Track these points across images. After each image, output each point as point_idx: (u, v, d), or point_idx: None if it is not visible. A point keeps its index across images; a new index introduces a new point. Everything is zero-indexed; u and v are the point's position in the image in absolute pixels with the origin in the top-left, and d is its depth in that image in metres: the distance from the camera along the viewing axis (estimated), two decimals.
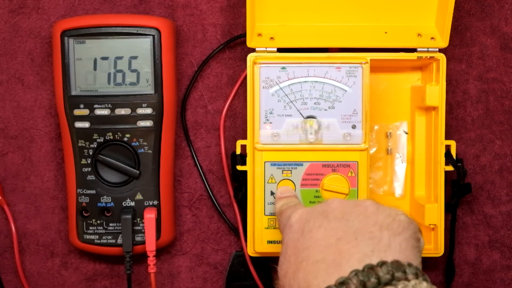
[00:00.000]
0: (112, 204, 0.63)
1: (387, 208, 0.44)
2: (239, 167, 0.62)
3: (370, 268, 0.38)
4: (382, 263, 0.38)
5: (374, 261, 0.39)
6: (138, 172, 0.62)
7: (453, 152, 0.62)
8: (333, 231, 0.43)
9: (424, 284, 0.37)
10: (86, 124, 0.62)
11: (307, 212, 0.46)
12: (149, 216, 0.62)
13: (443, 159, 0.62)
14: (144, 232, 0.62)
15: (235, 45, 0.67)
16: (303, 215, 0.46)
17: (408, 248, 0.42)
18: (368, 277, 0.37)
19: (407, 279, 0.37)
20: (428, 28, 0.62)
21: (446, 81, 0.62)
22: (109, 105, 0.62)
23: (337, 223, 0.43)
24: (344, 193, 0.60)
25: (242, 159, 0.62)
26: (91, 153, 0.62)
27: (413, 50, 0.62)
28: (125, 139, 0.62)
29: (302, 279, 0.42)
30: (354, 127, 0.60)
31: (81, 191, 0.63)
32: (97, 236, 0.63)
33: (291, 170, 0.60)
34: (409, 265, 0.39)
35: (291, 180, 0.60)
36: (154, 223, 0.62)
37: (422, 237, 0.45)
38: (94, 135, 0.62)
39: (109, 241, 0.64)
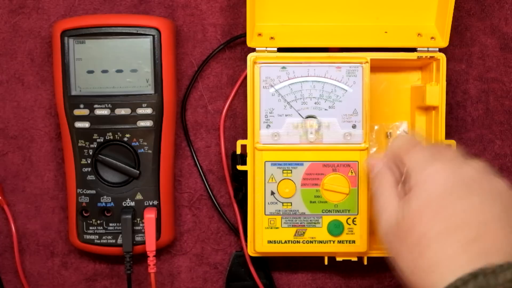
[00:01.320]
0: (112, 204, 0.63)
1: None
2: (239, 167, 0.62)
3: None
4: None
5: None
6: (138, 172, 0.62)
7: None
8: (479, 208, 0.41)
9: None
10: (86, 124, 0.62)
11: (451, 180, 0.42)
12: (149, 216, 0.62)
13: None
14: (144, 232, 0.62)
15: (235, 45, 0.67)
16: (448, 181, 0.42)
17: None
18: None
19: None
20: (428, 28, 0.62)
21: (446, 81, 0.62)
22: (109, 105, 0.62)
23: (480, 198, 0.41)
24: (344, 193, 0.60)
25: (242, 159, 0.62)
26: (91, 153, 0.62)
27: (413, 50, 0.62)
28: (125, 139, 0.62)
29: (443, 248, 0.39)
30: (354, 126, 0.61)
31: (81, 191, 0.63)
32: (97, 236, 0.63)
33: (291, 170, 0.60)
34: None
35: (292, 180, 0.60)
36: (154, 223, 0.62)
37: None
38: (94, 135, 0.62)
39: (109, 241, 0.63)
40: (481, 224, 0.40)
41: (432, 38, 0.62)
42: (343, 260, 0.62)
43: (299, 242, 0.61)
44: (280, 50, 0.61)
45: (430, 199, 0.42)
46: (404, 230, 0.42)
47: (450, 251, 0.39)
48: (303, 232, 0.61)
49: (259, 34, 0.62)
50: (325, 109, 0.61)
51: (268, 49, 0.61)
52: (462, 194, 0.42)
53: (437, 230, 0.41)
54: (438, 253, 0.40)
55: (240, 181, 0.64)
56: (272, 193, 0.61)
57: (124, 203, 0.63)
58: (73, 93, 0.62)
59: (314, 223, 0.61)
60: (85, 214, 0.63)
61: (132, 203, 0.63)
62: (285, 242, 0.61)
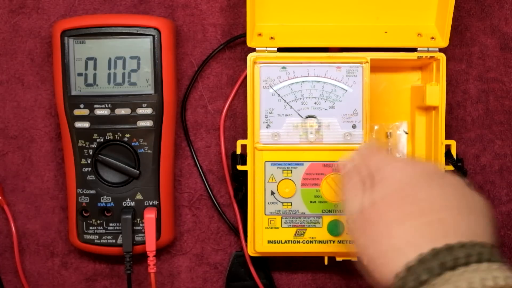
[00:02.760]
0: (112, 204, 0.63)
1: (469, 189, 0.46)
2: (239, 167, 0.62)
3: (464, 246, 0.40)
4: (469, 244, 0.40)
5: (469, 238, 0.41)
6: (138, 172, 0.62)
7: (453, 152, 0.62)
8: (438, 191, 0.44)
9: (496, 264, 0.40)
10: (86, 124, 0.62)
11: (411, 172, 0.47)
12: (149, 216, 0.62)
13: (443, 159, 0.62)
14: (144, 232, 0.62)
15: (235, 45, 0.67)
16: (409, 173, 0.46)
17: (489, 232, 0.44)
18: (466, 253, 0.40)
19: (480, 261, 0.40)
20: (428, 28, 0.62)
21: (446, 81, 0.62)
22: (109, 105, 0.62)
23: (439, 184, 0.45)
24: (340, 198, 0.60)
25: (242, 159, 0.62)
26: (91, 153, 0.62)
27: (413, 50, 0.62)
28: (125, 139, 0.62)
29: (406, 232, 0.42)
30: (354, 126, 0.61)
31: (81, 191, 0.63)
32: (97, 236, 0.63)
33: (291, 170, 0.60)
34: (483, 245, 0.41)
35: (292, 180, 0.60)
36: (154, 223, 0.62)
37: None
38: (94, 135, 0.62)
39: (109, 241, 0.63)
40: (440, 210, 0.43)
41: (432, 38, 0.62)
42: (343, 260, 0.62)
43: (299, 242, 0.61)
44: (280, 50, 0.61)
45: (393, 188, 0.45)
46: (367, 219, 0.45)
47: (410, 235, 0.42)
48: (303, 232, 0.61)
49: (259, 34, 0.62)
50: (325, 109, 0.61)
51: (268, 49, 0.61)
52: (422, 184, 0.45)
53: (398, 215, 0.44)
54: (399, 237, 0.42)
55: (240, 181, 0.64)
56: (272, 193, 0.61)
57: (124, 203, 0.63)
58: (73, 93, 0.62)
59: (314, 223, 0.61)
60: (85, 214, 0.63)
61: (132, 203, 0.63)
62: (285, 242, 0.61)
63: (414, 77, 0.66)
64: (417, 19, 0.62)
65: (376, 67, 0.63)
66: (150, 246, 0.62)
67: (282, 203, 0.61)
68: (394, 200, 0.45)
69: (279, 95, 0.61)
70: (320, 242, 0.61)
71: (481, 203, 0.45)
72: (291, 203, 0.61)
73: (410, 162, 0.49)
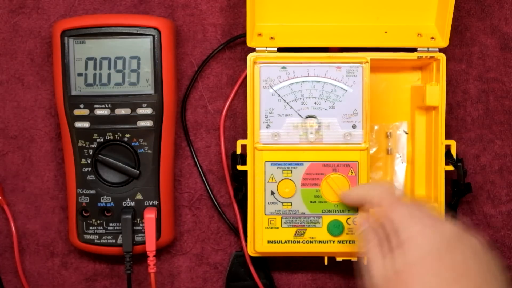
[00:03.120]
0: (112, 204, 0.63)
1: (488, 256, 0.45)
2: (239, 167, 0.62)
3: None
4: None
5: None
6: (138, 172, 0.62)
7: (453, 152, 0.62)
8: (465, 266, 0.43)
9: None
10: (86, 124, 0.62)
11: (438, 237, 0.45)
12: (149, 216, 0.62)
13: (443, 159, 0.62)
14: (144, 232, 0.62)
15: (235, 45, 0.67)
16: (435, 237, 0.45)
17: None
18: None
19: None
20: (428, 28, 0.62)
21: (446, 81, 0.62)
22: (109, 105, 0.62)
23: (466, 258, 0.44)
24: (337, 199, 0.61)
25: (242, 159, 0.62)
26: (91, 153, 0.62)
27: (413, 50, 0.62)
28: (125, 139, 0.62)
29: None
30: (354, 126, 0.61)
31: (81, 191, 0.63)
32: (97, 236, 0.63)
33: (291, 170, 0.60)
34: None
35: (292, 180, 0.60)
36: (154, 223, 0.62)
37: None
38: (94, 135, 0.62)
39: (109, 241, 0.63)
40: (468, 278, 0.42)
41: (432, 38, 0.62)
42: (343, 260, 0.62)
43: (299, 242, 0.61)
44: (280, 50, 0.61)
45: (422, 255, 0.44)
46: (395, 286, 0.44)
47: None
48: (303, 232, 0.61)
49: (259, 34, 0.62)
50: (325, 109, 0.61)
51: (268, 49, 0.61)
52: (456, 247, 0.44)
53: (437, 281, 0.43)
54: None
55: (240, 181, 0.64)
56: (272, 193, 0.61)
57: (124, 203, 0.63)
58: (73, 93, 0.62)
59: (314, 223, 0.61)
60: (85, 214, 0.63)
61: (132, 203, 0.63)
62: (285, 242, 0.61)
63: (414, 77, 0.66)
64: (417, 19, 0.63)
65: (376, 67, 0.63)
66: (150, 246, 0.62)
67: (282, 203, 0.61)
68: (423, 268, 0.43)
69: (279, 95, 0.61)
70: (320, 242, 0.61)
71: (499, 267, 0.45)
72: (291, 203, 0.61)
73: (438, 222, 0.47)
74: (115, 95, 0.62)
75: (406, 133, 0.66)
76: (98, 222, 0.63)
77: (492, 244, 0.68)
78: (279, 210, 0.61)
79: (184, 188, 0.68)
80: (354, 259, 0.62)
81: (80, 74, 0.62)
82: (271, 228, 0.61)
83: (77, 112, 0.62)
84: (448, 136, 0.65)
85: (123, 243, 0.62)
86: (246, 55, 0.61)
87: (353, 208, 0.60)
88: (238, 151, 0.62)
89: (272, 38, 0.61)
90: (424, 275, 0.43)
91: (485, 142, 0.68)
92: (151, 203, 0.63)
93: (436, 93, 0.61)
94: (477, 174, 0.68)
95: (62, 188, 0.67)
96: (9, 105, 0.67)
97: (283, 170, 0.60)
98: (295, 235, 0.61)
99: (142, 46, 0.62)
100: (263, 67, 0.61)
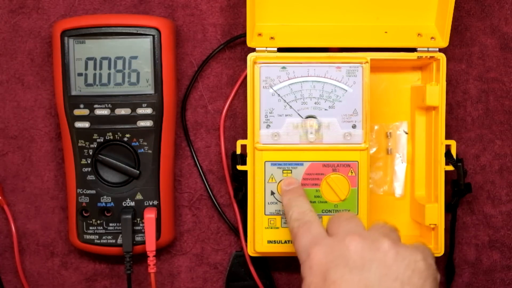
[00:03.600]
0: (112, 204, 0.63)
1: (406, 253, 0.45)
2: (239, 167, 0.62)
3: None
4: None
5: None
6: (138, 172, 0.62)
7: (453, 152, 0.62)
8: (355, 285, 0.43)
9: None
10: (86, 124, 0.62)
11: (326, 255, 0.46)
12: (149, 216, 0.62)
13: (443, 159, 0.62)
14: (144, 232, 0.62)
15: (235, 45, 0.67)
16: (323, 258, 0.46)
17: None
18: None
19: None
20: (428, 28, 0.62)
21: (446, 81, 0.62)
22: (109, 105, 0.62)
23: (358, 274, 0.44)
24: (340, 198, 0.60)
25: (242, 159, 0.62)
26: (91, 153, 0.62)
27: (413, 50, 0.62)
28: (125, 139, 0.62)
29: None
30: (354, 126, 0.61)
31: (81, 191, 0.63)
32: (97, 236, 0.63)
33: (291, 170, 0.60)
34: None
35: None
36: (154, 223, 0.62)
37: (438, 272, 0.46)
38: (94, 135, 0.62)
39: (109, 241, 0.63)
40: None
41: (432, 38, 0.62)
42: None
43: None
44: (280, 50, 0.61)
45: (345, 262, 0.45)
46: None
47: None
48: None
49: (259, 34, 0.62)
50: (325, 109, 0.61)
51: (268, 49, 0.61)
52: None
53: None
54: None
55: (240, 181, 0.64)
56: (272, 193, 0.61)
57: (124, 203, 0.63)
58: (73, 93, 0.62)
59: None
60: (85, 214, 0.63)
61: (132, 203, 0.63)
62: (285, 242, 0.61)
63: (414, 77, 0.66)
64: (417, 19, 0.62)
65: (376, 67, 0.63)
66: (150, 246, 0.62)
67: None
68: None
69: (279, 95, 0.61)
70: None
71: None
72: None
73: (329, 245, 0.47)
74: (115, 95, 0.62)
75: (406, 133, 0.66)
76: (98, 222, 0.63)
77: (492, 244, 0.68)
78: (279, 210, 0.61)
79: (184, 188, 0.68)
80: None
81: (80, 74, 0.62)
82: (271, 228, 0.61)
83: (77, 112, 0.62)
84: (448, 136, 0.65)
85: (123, 243, 0.62)
86: (246, 55, 0.61)
87: (353, 208, 0.60)
88: (238, 151, 0.62)
89: (272, 38, 0.61)
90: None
91: (485, 142, 0.68)
92: (151, 203, 0.63)
93: (436, 93, 0.61)
94: (477, 174, 0.68)
95: (62, 188, 0.67)
96: (9, 105, 0.67)
97: (283, 170, 0.60)
98: None
99: (142, 46, 0.62)
100: (263, 67, 0.61)
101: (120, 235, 0.63)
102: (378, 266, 0.44)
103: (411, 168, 0.66)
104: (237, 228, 0.66)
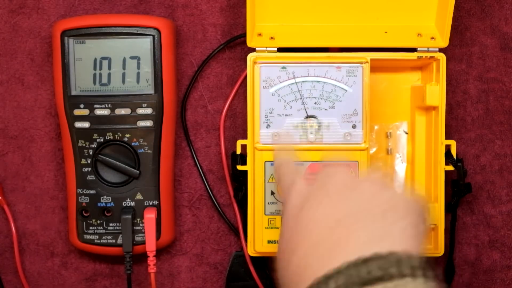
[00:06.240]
0: (112, 204, 0.63)
1: (394, 188, 0.42)
2: (239, 167, 0.62)
3: (363, 262, 0.36)
4: (378, 256, 0.36)
5: (371, 250, 0.36)
6: (138, 172, 0.62)
7: (453, 152, 0.62)
8: (333, 210, 0.40)
9: (420, 280, 0.35)
10: (86, 124, 0.62)
11: (307, 185, 0.44)
12: (149, 216, 0.62)
13: (443, 159, 0.62)
14: (144, 232, 0.62)
15: (235, 45, 0.67)
16: (303, 189, 0.44)
17: (412, 234, 0.39)
18: (358, 271, 0.35)
19: (401, 275, 0.35)
20: (428, 28, 0.62)
21: (446, 81, 0.62)
22: (109, 105, 0.62)
23: (338, 200, 0.41)
24: None
25: (242, 159, 0.62)
26: (91, 153, 0.62)
27: (413, 50, 0.62)
28: (125, 139, 0.62)
29: (296, 264, 0.40)
30: (354, 126, 0.61)
31: (81, 191, 0.63)
32: (97, 236, 0.63)
33: None
34: (409, 257, 0.36)
35: None
36: (154, 223, 0.62)
37: (428, 216, 0.42)
38: (94, 135, 0.62)
39: (109, 241, 0.63)
40: (328, 226, 0.40)
41: (432, 38, 0.62)
42: None
43: None
44: (280, 50, 0.61)
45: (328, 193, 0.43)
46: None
47: (304, 263, 0.40)
48: None
49: (259, 34, 0.62)
50: (325, 109, 0.61)
51: (268, 49, 0.61)
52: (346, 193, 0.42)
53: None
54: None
55: (240, 181, 0.64)
56: (272, 193, 0.61)
57: (124, 203, 0.63)
58: (73, 93, 0.62)
59: None
60: (85, 214, 0.63)
61: (132, 203, 0.63)
62: None
63: (414, 77, 0.66)
64: (417, 19, 0.63)
65: (376, 67, 0.63)
66: (150, 246, 0.62)
67: (282, 203, 0.61)
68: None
69: (279, 95, 0.61)
70: None
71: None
72: None
73: (312, 179, 0.45)
74: (115, 95, 0.62)
75: (406, 133, 0.66)
76: (98, 222, 0.63)
77: (492, 244, 0.68)
78: (279, 210, 0.61)
79: (184, 188, 0.68)
80: None
81: (80, 74, 0.62)
82: (271, 228, 0.61)
83: (77, 112, 0.62)
84: (448, 136, 0.65)
85: (123, 243, 0.62)
86: (246, 55, 0.61)
87: None
88: (238, 151, 0.62)
89: (272, 38, 0.61)
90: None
91: (485, 142, 0.68)
92: (151, 203, 0.63)
93: (436, 93, 0.61)
94: (477, 174, 0.68)
95: (62, 188, 0.67)
96: (9, 105, 0.67)
97: None
98: None
99: (142, 46, 0.62)
100: (263, 67, 0.61)
101: (120, 235, 0.63)
102: (362, 193, 0.41)
103: (411, 168, 0.66)
104: (237, 228, 0.66)
